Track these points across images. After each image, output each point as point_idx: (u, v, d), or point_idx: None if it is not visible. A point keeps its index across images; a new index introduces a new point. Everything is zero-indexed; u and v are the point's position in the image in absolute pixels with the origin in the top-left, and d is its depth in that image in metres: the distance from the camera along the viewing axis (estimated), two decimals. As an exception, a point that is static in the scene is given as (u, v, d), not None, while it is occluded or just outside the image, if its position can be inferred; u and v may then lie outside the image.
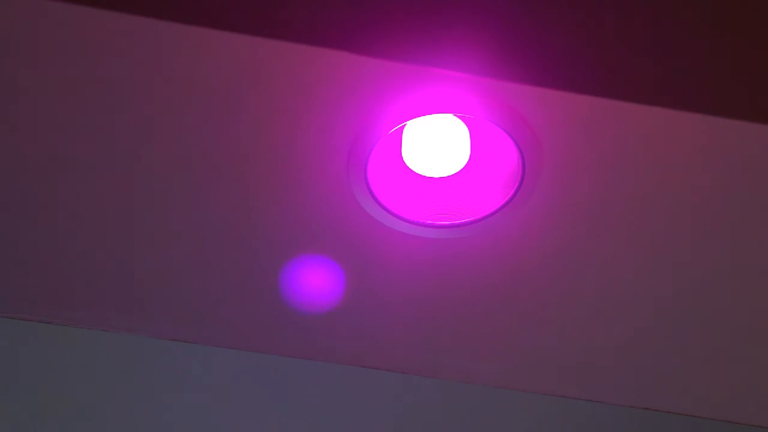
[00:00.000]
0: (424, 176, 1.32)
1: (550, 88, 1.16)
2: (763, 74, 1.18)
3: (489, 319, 1.43)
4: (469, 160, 1.30)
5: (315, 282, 1.39)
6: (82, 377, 1.51)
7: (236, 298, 1.42)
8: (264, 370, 1.53)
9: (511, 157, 1.26)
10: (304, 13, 1.13)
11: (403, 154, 1.30)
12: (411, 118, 1.20)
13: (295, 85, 1.17)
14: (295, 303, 1.41)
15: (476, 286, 1.38)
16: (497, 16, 1.15)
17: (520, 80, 1.16)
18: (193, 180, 1.27)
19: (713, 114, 1.18)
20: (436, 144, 1.27)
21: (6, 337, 1.50)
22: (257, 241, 1.34)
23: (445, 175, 1.30)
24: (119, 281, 1.40)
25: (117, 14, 1.12)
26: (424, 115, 1.19)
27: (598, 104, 1.17)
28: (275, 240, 1.33)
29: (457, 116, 1.27)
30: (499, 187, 1.28)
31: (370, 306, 1.41)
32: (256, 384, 1.54)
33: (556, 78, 1.16)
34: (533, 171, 1.24)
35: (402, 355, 1.50)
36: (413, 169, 1.30)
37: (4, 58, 1.16)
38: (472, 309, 1.42)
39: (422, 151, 1.28)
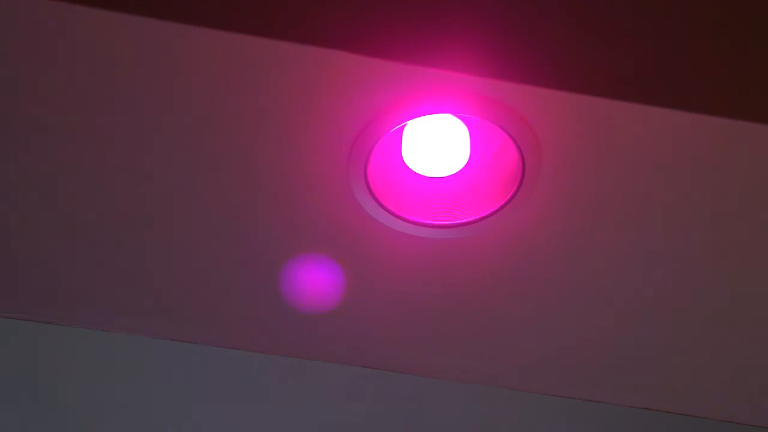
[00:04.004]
0: (424, 176, 1.32)
1: (550, 88, 1.16)
2: (764, 74, 1.18)
3: (489, 318, 1.43)
4: (469, 160, 1.30)
5: (315, 282, 1.38)
6: (82, 377, 1.51)
7: (236, 298, 1.42)
8: (264, 370, 1.53)
9: (511, 157, 1.26)
10: (304, 13, 1.13)
11: (403, 154, 1.29)
12: (411, 118, 1.20)
13: (295, 85, 1.17)
14: (295, 303, 1.41)
15: (476, 286, 1.38)
16: (497, 16, 1.15)
17: (520, 80, 1.16)
18: (192, 180, 1.27)
19: (713, 114, 1.18)
20: (436, 144, 1.27)
21: (6, 337, 1.50)
22: (257, 241, 1.34)
23: (445, 175, 1.30)
24: (119, 281, 1.40)
25: (116, 14, 1.12)
26: (424, 115, 1.19)
27: (598, 104, 1.17)
28: (275, 240, 1.33)
29: (457, 116, 1.27)
30: (499, 187, 1.28)
31: (370, 306, 1.41)
32: (256, 384, 1.53)
33: (556, 78, 1.16)
34: (533, 171, 1.23)
35: (402, 355, 1.50)
36: (413, 169, 1.30)
37: (4, 59, 1.16)
38: (472, 309, 1.41)
39: (422, 151, 1.28)
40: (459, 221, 1.30)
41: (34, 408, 1.49)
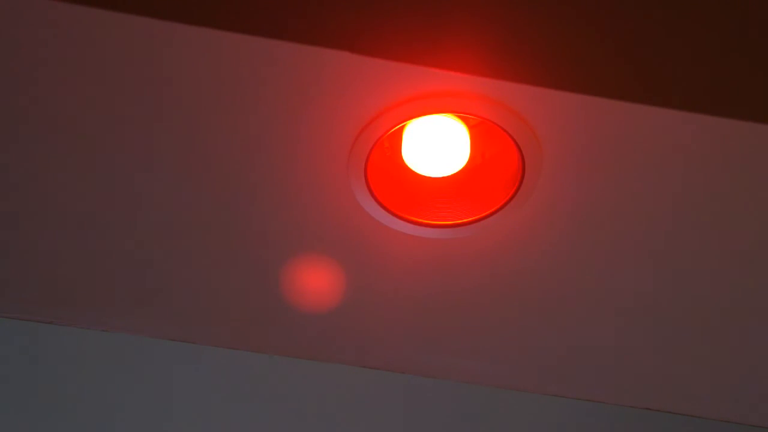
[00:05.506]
0: (424, 176, 1.32)
1: (550, 88, 1.16)
2: (763, 74, 1.18)
3: (489, 319, 1.43)
4: (469, 160, 1.30)
5: (315, 282, 1.38)
6: (82, 377, 1.51)
7: (236, 298, 1.42)
8: (264, 370, 1.53)
9: (511, 157, 1.26)
10: (305, 13, 1.14)
11: (403, 154, 1.30)
12: (411, 118, 1.20)
13: (295, 85, 1.17)
14: (295, 303, 1.41)
15: (476, 285, 1.38)
16: (497, 16, 1.15)
17: (520, 80, 1.16)
18: (192, 180, 1.27)
19: (713, 114, 1.18)
20: (436, 144, 1.27)
21: (6, 337, 1.50)
22: (257, 241, 1.34)
23: (445, 175, 1.30)
24: (119, 281, 1.40)
25: (115, 14, 1.12)
26: (424, 115, 1.19)
27: (598, 104, 1.17)
28: (275, 240, 1.33)
29: (457, 116, 1.27)
30: (499, 187, 1.28)
31: (370, 306, 1.41)
32: (256, 384, 1.53)
33: (555, 78, 1.16)
34: (533, 171, 1.24)
35: (402, 355, 1.50)
36: (413, 169, 1.30)
37: (6, 58, 1.16)
38: (472, 309, 1.42)
39: (422, 151, 1.28)
40: (459, 221, 1.30)
41: (34, 408, 1.49)
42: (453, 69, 1.15)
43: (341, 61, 1.14)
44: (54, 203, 1.31)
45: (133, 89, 1.19)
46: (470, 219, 1.30)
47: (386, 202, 1.28)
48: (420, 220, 1.30)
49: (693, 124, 1.18)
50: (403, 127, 1.28)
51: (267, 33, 1.13)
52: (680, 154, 1.22)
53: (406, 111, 1.18)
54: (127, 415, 1.50)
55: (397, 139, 1.30)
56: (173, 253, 1.36)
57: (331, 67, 1.15)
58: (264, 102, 1.19)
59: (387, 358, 1.51)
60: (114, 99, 1.20)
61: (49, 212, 1.32)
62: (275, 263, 1.37)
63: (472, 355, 1.49)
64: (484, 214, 1.29)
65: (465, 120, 1.28)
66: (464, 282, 1.38)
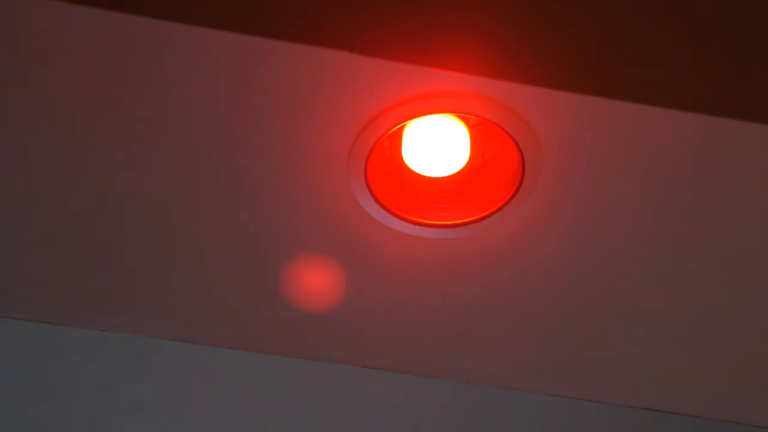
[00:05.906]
0: (424, 176, 1.32)
1: (550, 88, 1.16)
2: (763, 74, 1.18)
3: (489, 319, 1.43)
4: (469, 160, 1.30)
5: (315, 282, 1.39)
6: (82, 377, 1.51)
7: (236, 298, 1.42)
8: (264, 370, 1.53)
9: (511, 157, 1.26)
10: (305, 13, 1.14)
11: (403, 154, 1.30)
12: (411, 118, 1.20)
13: (295, 85, 1.17)
14: (295, 302, 1.41)
15: (476, 285, 1.38)
16: (498, 16, 1.15)
17: (520, 80, 1.16)
18: (193, 180, 1.27)
19: (713, 114, 1.18)
20: (436, 144, 1.27)
21: (6, 337, 1.50)
22: (257, 241, 1.34)
23: (445, 175, 1.30)
24: (119, 281, 1.40)
25: (115, 14, 1.12)
26: (424, 115, 1.19)
27: (598, 104, 1.17)
28: (275, 240, 1.33)
29: (457, 116, 1.27)
30: (499, 187, 1.29)
31: (370, 306, 1.41)
32: (257, 384, 1.53)
33: (556, 78, 1.16)
34: (533, 171, 1.24)
35: (402, 355, 1.50)
36: (413, 169, 1.30)
37: (6, 58, 1.16)
38: (472, 309, 1.42)
39: (422, 151, 1.28)
40: (459, 221, 1.30)
41: (35, 408, 1.49)
42: (453, 69, 1.15)
43: (341, 61, 1.14)
44: (54, 203, 1.31)
45: (133, 89, 1.19)
46: (470, 219, 1.30)
47: (386, 202, 1.29)
48: (420, 220, 1.30)
49: (693, 124, 1.18)
50: (403, 127, 1.28)
51: (267, 33, 1.13)
52: (680, 154, 1.22)
53: (406, 111, 1.18)
54: (126, 415, 1.50)
55: (397, 139, 1.30)
56: (173, 253, 1.36)
57: (331, 67, 1.15)
58: (264, 102, 1.19)
59: (387, 358, 1.51)
60: (113, 99, 1.20)
61: (49, 212, 1.32)
62: (275, 263, 1.37)
63: (472, 355, 1.49)
64: (484, 214, 1.29)
65: (465, 120, 1.28)
66: (464, 282, 1.38)
